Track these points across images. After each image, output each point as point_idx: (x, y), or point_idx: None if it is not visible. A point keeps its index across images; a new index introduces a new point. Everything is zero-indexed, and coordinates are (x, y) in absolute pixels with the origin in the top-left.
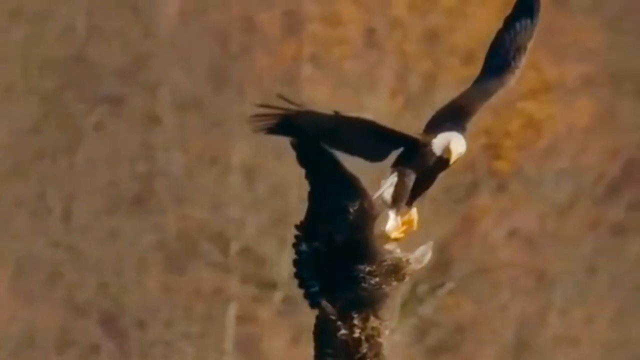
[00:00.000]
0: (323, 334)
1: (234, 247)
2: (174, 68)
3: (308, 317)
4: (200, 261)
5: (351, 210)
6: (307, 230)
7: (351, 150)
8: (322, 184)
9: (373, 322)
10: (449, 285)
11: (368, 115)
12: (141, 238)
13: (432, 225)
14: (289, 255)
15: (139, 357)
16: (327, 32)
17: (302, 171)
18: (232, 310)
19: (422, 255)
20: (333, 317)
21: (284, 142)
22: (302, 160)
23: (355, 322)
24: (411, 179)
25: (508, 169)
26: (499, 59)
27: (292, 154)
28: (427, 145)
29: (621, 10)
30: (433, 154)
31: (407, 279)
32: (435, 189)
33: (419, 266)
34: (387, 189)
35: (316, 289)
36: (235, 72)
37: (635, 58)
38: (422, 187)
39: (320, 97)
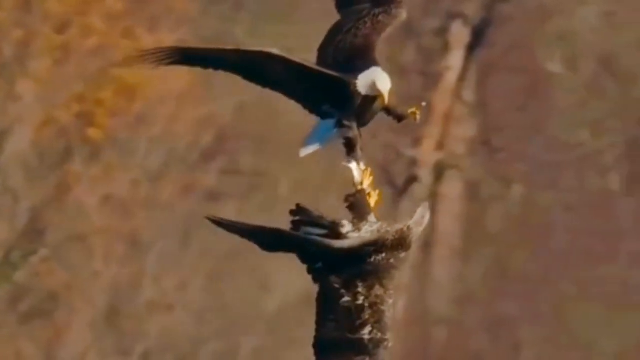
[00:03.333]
0: (325, 301)
1: None
2: None
3: None
4: None
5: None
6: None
7: (279, 88)
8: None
9: (378, 290)
10: (43, 252)
11: (274, 50)
12: None
13: (25, 192)
14: None
15: None
16: None
17: None
18: None
19: (421, 218)
20: (337, 286)
21: None
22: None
23: (360, 290)
24: (354, 126)
25: (101, 136)
26: None
27: None
28: (350, 85)
29: None
30: (359, 94)
31: (413, 245)
32: (29, 155)
33: (421, 229)
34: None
35: (320, 265)
36: None
37: (227, 24)
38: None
39: None
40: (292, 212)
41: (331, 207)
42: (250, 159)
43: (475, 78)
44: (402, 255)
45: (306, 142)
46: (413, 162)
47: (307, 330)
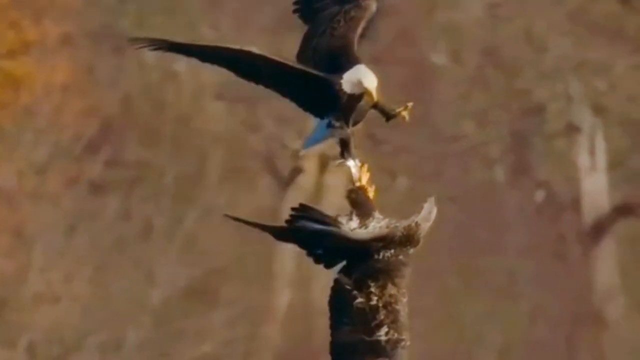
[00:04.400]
0: (338, 303)
1: None
2: None
3: None
4: None
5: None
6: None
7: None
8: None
9: (391, 289)
10: None
11: (254, 49)
12: None
13: None
14: None
15: None
16: None
17: None
18: None
19: (428, 213)
20: (349, 287)
21: None
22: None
23: (372, 290)
24: (344, 126)
25: None
26: None
27: None
28: (335, 85)
29: None
30: (345, 93)
31: (421, 241)
32: None
33: (428, 224)
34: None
35: (320, 251)
36: None
37: (112, 16)
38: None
39: None
40: (294, 210)
41: (210, 197)
42: (136, 150)
43: None
44: (411, 251)
45: (306, 142)
46: (298, 154)
47: (192, 322)
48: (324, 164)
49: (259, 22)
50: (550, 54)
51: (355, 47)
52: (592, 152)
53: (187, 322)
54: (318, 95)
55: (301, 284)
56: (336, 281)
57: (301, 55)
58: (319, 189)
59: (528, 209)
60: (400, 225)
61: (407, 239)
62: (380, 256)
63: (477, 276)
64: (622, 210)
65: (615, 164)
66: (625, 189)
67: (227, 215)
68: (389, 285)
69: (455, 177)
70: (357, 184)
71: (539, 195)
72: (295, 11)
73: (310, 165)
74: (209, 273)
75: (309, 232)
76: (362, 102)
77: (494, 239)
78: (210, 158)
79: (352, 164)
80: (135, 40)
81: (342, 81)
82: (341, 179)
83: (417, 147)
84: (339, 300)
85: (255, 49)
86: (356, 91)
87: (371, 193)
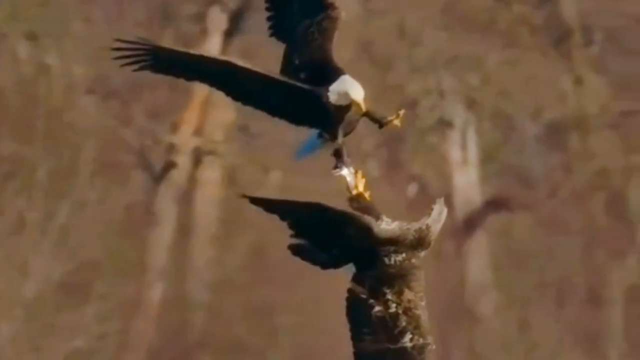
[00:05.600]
0: (356, 314)
1: None
2: None
3: None
4: None
5: (351, 233)
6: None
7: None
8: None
9: (408, 294)
10: None
11: (239, 61)
12: None
13: None
14: None
15: None
16: None
17: None
18: None
19: (438, 215)
20: (364, 296)
21: None
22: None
23: (389, 297)
24: (334, 139)
25: None
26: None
27: None
28: (322, 97)
29: None
30: (332, 105)
31: (432, 243)
32: None
33: (439, 226)
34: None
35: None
36: None
37: None
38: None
39: None
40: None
41: (82, 191)
42: (8, 145)
43: None
44: (422, 254)
45: (297, 152)
46: (171, 148)
47: (65, 316)
48: (197, 158)
49: (133, 16)
50: (423, 49)
51: (334, 57)
52: (464, 147)
53: (60, 316)
54: (306, 107)
55: (175, 277)
56: (350, 291)
57: (283, 73)
58: (192, 183)
59: (401, 204)
60: (411, 228)
61: (419, 242)
62: (392, 261)
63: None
64: (493, 205)
65: (487, 159)
66: (497, 183)
67: (245, 196)
68: (406, 291)
69: (328, 171)
70: (355, 192)
71: (412, 190)
72: (271, 35)
73: (183, 160)
74: (82, 267)
75: (335, 216)
76: (351, 113)
77: None
78: (82, 152)
79: (346, 172)
80: (117, 51)
81: (329, 93)
82: (215, 174)
83: (291, 141)
84: (356, 311)
85: (240, 62)
86: (343, 102)
87: (368, 198)
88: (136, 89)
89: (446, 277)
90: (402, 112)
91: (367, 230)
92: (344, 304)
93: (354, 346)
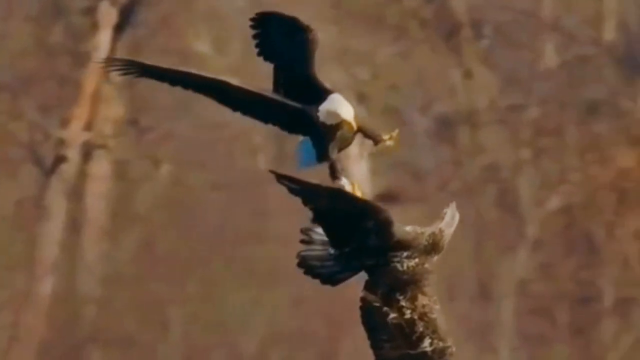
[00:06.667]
0: (371, 322)
1: None
2: None
3: None
4: None
5: (370, 226)
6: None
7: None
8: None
9: (422, 299)
10: None
11: (232, 80)
12: None
13: None
14: None
15: None
16: None
17: None
18: None
19: (451, 219)
20: (377, 304)
21: None
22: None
23: (403, 303)
24: (327, 156)
25: None
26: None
27: None
28: (313, 117)
29: None
30: (323, 124)
31: (445, 247)
32: None
33: (452, 230)
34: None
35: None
36: None
37: None
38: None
39: None
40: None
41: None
42: None
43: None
44: (435, 258)
45: (299, 163)
46: (61, 143)
47: None
48: (87, 152)
49: (24, 11)
50: None
51: (317, 77)
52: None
53: None
54: (298, 123)
55: (65, 272)
56: (363, 299)
57: (275, 91)
58: (82, 178)
59: (291, 197)
60: (425, 232)
61: (432, 247)
62: (405, 267)
63: (240, 264)
64: (384, 198)
65: (377, 152)
66: (388, 176)
67: (272, 171)
68: (419, 296)
69: (219, 165)
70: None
71: None
72: (258, 55)
73: (73, 154)
74: None
75: (358, 205)
76: (344, 130)
77: (257, 227)
78: None
79: (345, 182)
80: (107, 61)
81: (319, 113)
82: (105, 168)
83: (181, 135)
84: (370, 319)
85: (233, 81)
86: (333, 121)
87: None
88: (26, 84)
89: None
90: (396, 132)
91: (388, 224)
92: (234, 297)
93: (375, 354)
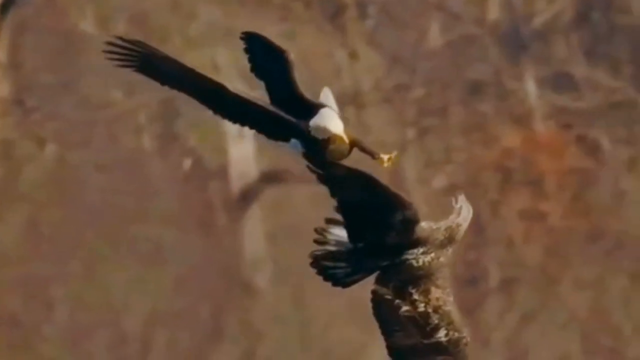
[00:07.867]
0: (383, 314)
1: None
2: None
3: None
4: None
5: (396, 221)
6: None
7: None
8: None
9: (435, 292)
10: None
11: (228, 86)
12: None
13: None
14: None
15: None
16: None
17: None
18: None
19: (467, 213)
20: (389, 297)
21: None
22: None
23: (416, 297)
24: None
25: None
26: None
27: None
28: (304, 131)
29: None
30: (314, 138)
31: (460, 240)
32: None
33: (467, 223)
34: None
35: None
36: None
37: None
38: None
39: None
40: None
41: None
42: None
43: (8, 38)
44: (450, 251)
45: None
46: None
47: None
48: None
49: None
50: (198, 23)
51: (302, 93)
52: None
53: None
54: (292, 135)
55: None
56: (374, 292)
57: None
58: None
59: (176, 177)
60: (441, 227)
61: (449, 241)
62: (420, 263)
63: (124, 243)
64: (269, 178)
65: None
66: (272, 156)
67: (305, 155)
68: (432, 289)
69: (103, 145)
70: None
71: (187, 164)
72: (250, 70)
73: None
74: None
75: (388, 196)
76: (336, 145)
77: (142, 207)
78: None
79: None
80: (109, 45)
81: (310, 128)
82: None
83: (65, 115)
84: (382, 312)
85: (230, 87)
86: (324, 136)
87: None
88: None
89: (221, 251)
90: (394, 154)
91: (414, 221)
92: (118, 277)
93: (387, 341)
